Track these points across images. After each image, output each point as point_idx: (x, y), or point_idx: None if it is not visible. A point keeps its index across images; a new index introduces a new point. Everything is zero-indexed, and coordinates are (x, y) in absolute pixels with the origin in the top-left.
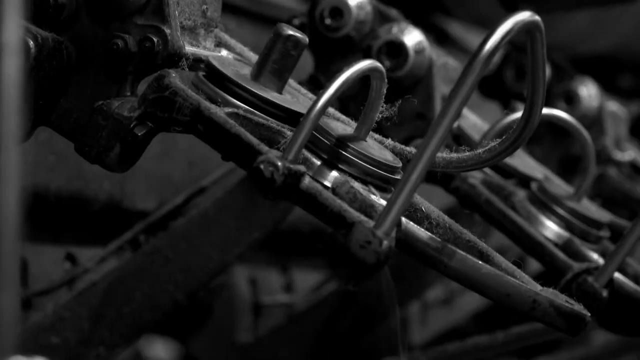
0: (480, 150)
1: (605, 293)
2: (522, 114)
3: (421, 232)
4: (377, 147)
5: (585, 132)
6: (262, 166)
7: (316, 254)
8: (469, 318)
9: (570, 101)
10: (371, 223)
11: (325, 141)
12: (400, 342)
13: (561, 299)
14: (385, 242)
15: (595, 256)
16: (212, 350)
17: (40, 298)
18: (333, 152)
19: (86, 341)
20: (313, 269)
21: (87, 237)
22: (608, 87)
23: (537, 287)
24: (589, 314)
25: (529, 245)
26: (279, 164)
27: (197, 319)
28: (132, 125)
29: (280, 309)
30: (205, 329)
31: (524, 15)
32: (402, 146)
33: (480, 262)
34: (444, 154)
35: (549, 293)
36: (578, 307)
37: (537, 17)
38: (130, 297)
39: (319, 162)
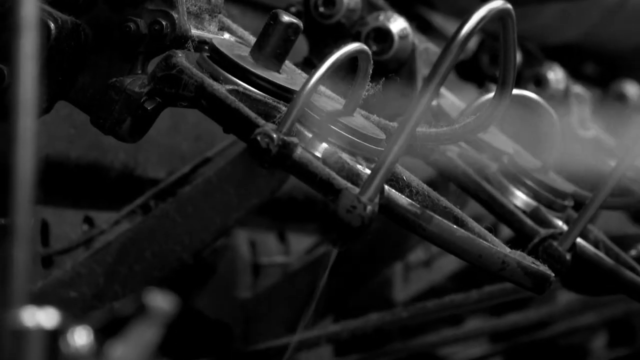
0: (457, 126)
1: (568, 256)
2: (495, 94)
3: (402, 199)
4: (363, 122)
5: (552, 111)
6: (259, 138)
7: (309, 220)
8: (447, 278)
9: (539, 84)
10: (357, 190)
11: (316, 116)
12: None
13: (528, 261)
14: (369, 207)
15: (559, 223)
16: (215, 305)
17: (60, 256)
18: (323, 125)
19: (101, 295)
20: (306, 233)
21: (103, 202)
22: (573, 74)
23: (507, 250)
24: (554, 275)
25: (500, 213)
26: (274, 135)
27: (201, 277)
28: (142, 100)
29: (277, 269)
30: (208, 286)
31: (496, 4)
32: (386, 121)
33: (455, 226)
34: (424, 129)
35: (517, 255)
36: (543, 268)
37: (508, 5)
38: (141, 256)
39: (310, 135)
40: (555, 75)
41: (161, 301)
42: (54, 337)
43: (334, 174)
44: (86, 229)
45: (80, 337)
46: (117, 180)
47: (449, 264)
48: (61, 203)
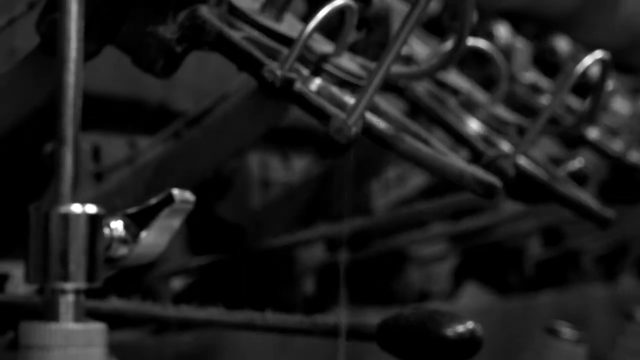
0: (423, 65)
1: (512, 172)
2: (455, 41)
3: (380, 123)
4: (349, 62)
5: (500, 58)
6: (266, 74)
7: (307, 144)
8: (417, 192)
9: (490, 37)
10: (344, 115)
11: (312, 57)
12: None
13: (481, 173)
14: (353, 129)
15: (506, 146)
16: (232, 213)
17: (108, 173)
18: (317, 65)
19: (141, 203)
20: (305, 156)
21: (143, 129)
22: (516, 33)
23: (464, 164)
24: (501, 184)
25: (459, 137)
26: (278, 72)
27: (221, 190)
28: (172, 45)
29: (281, 184)
30: (227, 197)
31: None
32: (368, 62)
33: (423, 145)
34: (397, 68)
35: (472, 169)
36: (493, 179)
37: None
38: (173, 171)
39: (307, 72)
40: (502, 30)
41: (184, 195)
42: (95, 222)
43: (325, 103)
44: (129, 151)
45: (117, 223)
46: (154, 112)
47: (419, 180)
48: (110, 130)
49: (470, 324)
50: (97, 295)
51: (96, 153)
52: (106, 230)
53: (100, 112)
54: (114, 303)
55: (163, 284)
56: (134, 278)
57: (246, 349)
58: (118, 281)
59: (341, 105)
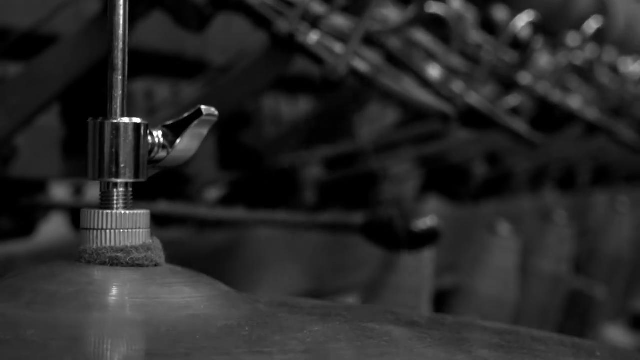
0: (396, 21)
1: (464, 107)
2: (417, 7)
3: (363, 66)
4: (339, 20)
5: (454, 21)
6: (275, 30)
7: (308, 89)
8: (393, 126)
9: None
10: (335, 60)
11: (311, 16)
12: None
13: (440, 104)
14: (343, 70)
15: (458, 87)
16: (252, 140)
17: (158, 111)
18: (314, 21)
19: None
20: (307, 96)
21: (184, 75)
22: None
23: (427, 98)
24: (455, 114)
25: (423, 80)
26: (285, 28)
27: (244, 123)
28: (203, 8)
29: (289, 121)
30: (248, 128)
31: None
32: (354, 18)
33: (395, 84)
34: (376, 25)
35: (434, 101)
36: (449, 108)
37: None
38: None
39: (307, 28)
40: (455, 1)
41: (209, 110)
42: (139, 131)
43: (321, 51)
44: (174, 92)
45: (157, 132)
46: (193, 63)
47: (392, 115)
48: (159, 77)
49: (431, 220)
50: (149, 199)
51: (148, 95)
52: (149, 138)
53: (152, 64)
54: (162, 206)
55: (200, 193)
56: (178, 189)
57: (264, 244)
58: (165, 191)
59: (333, 53)
